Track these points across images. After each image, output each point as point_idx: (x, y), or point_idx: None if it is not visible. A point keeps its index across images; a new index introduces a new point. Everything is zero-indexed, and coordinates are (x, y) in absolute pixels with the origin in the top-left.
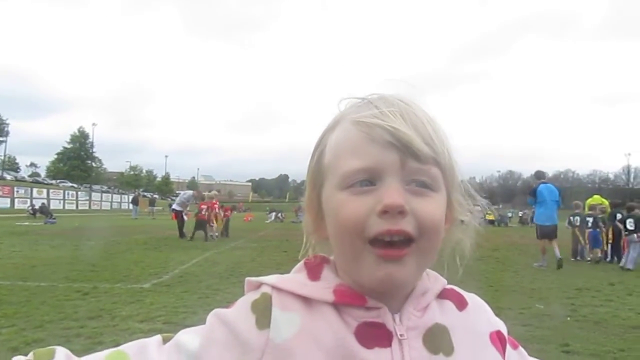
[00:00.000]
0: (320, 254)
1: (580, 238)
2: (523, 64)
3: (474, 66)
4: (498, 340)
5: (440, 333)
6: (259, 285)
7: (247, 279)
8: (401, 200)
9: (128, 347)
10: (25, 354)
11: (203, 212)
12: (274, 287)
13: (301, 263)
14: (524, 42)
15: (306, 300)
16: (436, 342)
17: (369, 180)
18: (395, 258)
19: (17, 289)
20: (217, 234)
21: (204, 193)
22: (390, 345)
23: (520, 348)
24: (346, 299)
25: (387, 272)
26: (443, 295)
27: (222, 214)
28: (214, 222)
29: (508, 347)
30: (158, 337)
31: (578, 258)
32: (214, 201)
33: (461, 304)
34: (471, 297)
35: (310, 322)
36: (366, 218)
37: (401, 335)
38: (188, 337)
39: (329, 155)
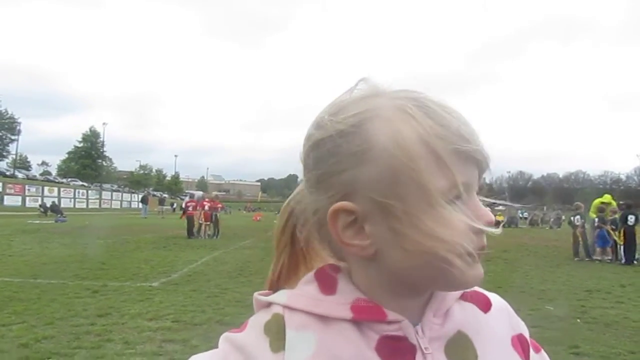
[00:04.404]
0: (330, 263)
1: (580, 238)
2: (535, 66)
3: (486, 68)
4: (519, 344)
5: (462, 341)
6: (269, 304)
7: (255, 296)
8: None
9: None
10: (37, 351)
11: (190, 209)
12: (285, 307)
13: (311, 274)
14: (536, 45)
15: (322, 317)
16: (459, 352)
17: None
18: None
19: (27, 286)
20: (209, 233)
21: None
22: (414, 359)
23: (543, 352)
24: (365, 315)
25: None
26: (465, 297)
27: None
28: (203, 221)
29: (531, 350)
30: None
31: (581, 258)
32: (204, 200)
33: (485, 306)
34: (494, 298)
35: (327, 340)
36: None
37: (425, 348)
38: None
39: None
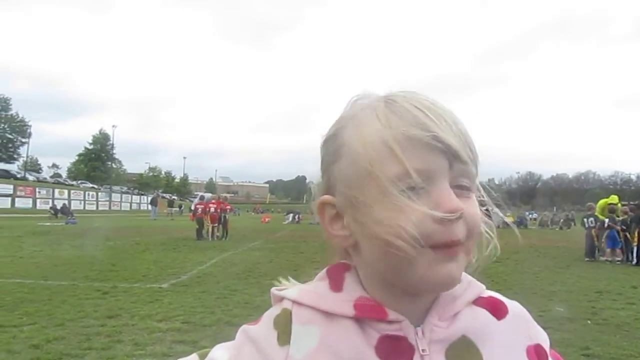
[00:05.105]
0: (341, 261)
1: (596, 239)
2: (544, 67)
3: (494, 70)
4: (536, 355)
5: (465, 346)
6: (281, 299)
7: (272, 291)
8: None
9: None
10: (48, 352)
11: (199, 212)
12: (294, 302)
13: (324, 271)
14: (545, 46)
15: (327, 313)
16: (461, 356)
17: None
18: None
19: (38, 288)
20: (218, 234)
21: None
22: None
23: None
24: (366, 313)
25: (447, 270)
26: (478, 302)
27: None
28: (209, 223)
29: None
30: (194, 357)
31: (592, 258)
32: (212, 201)
33: (500, 313)
34: (513, 305)
35: (330, 335)
36: None
37: (423, 350)
38: (219, 353)
39: None
